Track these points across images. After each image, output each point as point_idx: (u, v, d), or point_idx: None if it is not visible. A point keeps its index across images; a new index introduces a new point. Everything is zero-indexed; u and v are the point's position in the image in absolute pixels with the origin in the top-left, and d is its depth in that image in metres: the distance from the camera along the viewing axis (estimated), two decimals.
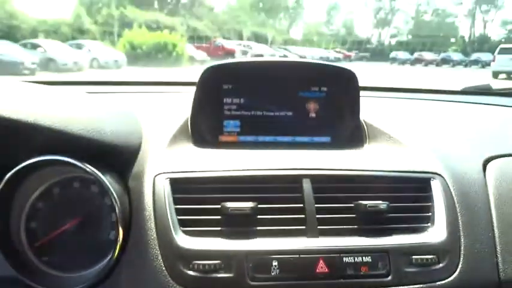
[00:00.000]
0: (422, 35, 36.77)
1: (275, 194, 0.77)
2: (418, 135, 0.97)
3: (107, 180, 0.69)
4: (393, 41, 40.61)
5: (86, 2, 30.21)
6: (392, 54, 28.44)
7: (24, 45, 13.64)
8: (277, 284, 0.70)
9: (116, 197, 0.69)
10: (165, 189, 0.74)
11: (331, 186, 0.79)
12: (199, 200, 0.75)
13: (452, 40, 39.65)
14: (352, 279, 0.72)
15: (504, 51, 14.52)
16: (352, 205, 0.77)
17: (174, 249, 0.69)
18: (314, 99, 1.02)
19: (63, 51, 13.90)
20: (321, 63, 1.03)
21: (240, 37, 26.96)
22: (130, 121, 0.86)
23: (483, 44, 34.02)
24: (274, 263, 0.70)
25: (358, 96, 0.99)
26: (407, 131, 0.99)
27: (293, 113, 1.01)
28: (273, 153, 0.88)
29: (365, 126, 1.03)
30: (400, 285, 0.72)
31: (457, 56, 26.92)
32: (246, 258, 0.70)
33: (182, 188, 0.76)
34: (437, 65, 25.25)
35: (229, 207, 0.72)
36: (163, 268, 0.69)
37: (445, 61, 25.63)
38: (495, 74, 13.61)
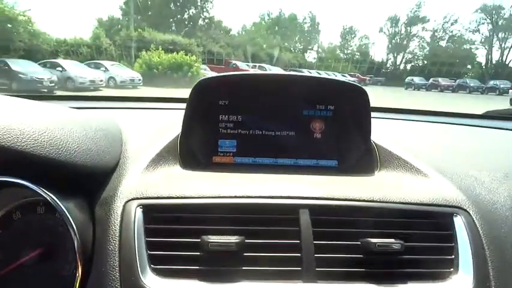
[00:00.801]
0: (438, 60, 36.69)
1: (266, 227, 0.65)
2: (437, 162, 0.85)
3: (64, 206, 0.59)
4: (408, 66, 40.65)
5: (105, 23, 31.11)
6: (408, 79, 28.38)
7: (44, 65, 14.05)
8: None
9: (75, 227, 0.58)
10: (135, 218, 0.63)
11: (334, 220, 0.66)
12: (175, 232, 0.63)
13: (469, 66, 39.55)
14: None
15: None
16: (359, 243, 0.64)
17: None
18: (320, 118, 0.91)
19: (81, 71, 14.23)
20: (328, 79, 0.92)
21: (255, 59, 27.24)
22: (108, 138, 0.76)
23: (500, 71, 33.74)
24: None
25: (369, 116, 0.88)
26: (425, 157, 0.86)
27: (296, 133, 0.91)
28: (270, 178, 0.77)
29: (376, 150, 0.91)
30: None
31: (473, 83, 26.74)
32: None
33: (156, 217, 0.64)
34: (453, 91, 25.08)
35: (209, 242, 0.60)
36: None
37: (461, 87, 25.50)
38: None
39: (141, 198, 0.66)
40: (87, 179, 0.68)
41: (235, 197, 0.67)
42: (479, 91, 24.95)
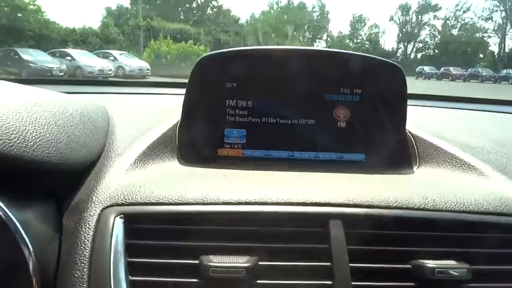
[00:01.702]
0: (449, 49, 36.05)
1: (286, 244, 0.49)
2: (492, 157, 0.69)
3: (18, 217, 0.44)
4: (419, 55, 40.03)
5: (113, 12, 31.00)
6: (419, 69, 27.91)
7: (53, 54, 14.31)
8: None
9: (31, 246, 0.44)
10: (113, 231, 0.48)
11: (375, 234, 0.51)
12: (167, 250, 0.48)
13: (481, 55, 38.85)
14: None
15: None
16: (409, 266, 0.49)
17: None
18: (345, 103, 0.76)
19: (90, 60, 14.38)
20: (354, 54, 0.75)
21: None
22: (87, 127, 0.61)
23: None
24: None
25: (405, 99, 0.72)
26: (474, 150, 0.71)
27: (316, 121, 0.76)
28: (289, 176, 0.62)
29: (413, 141, 0.75)
30: None
31: (486, 72, 26.29)
32: None
33: (142, 230, 0.49)
34: (464, 80, 24.70)
35: (211, 266, 0.45)
36: None
37: (473, 76, 25.14)
38: None
39: (122, 205, 0.50)
40: (54, 179, 0.53)
41: (246, 203, 0.51)
42: (492, 80, 24.59)
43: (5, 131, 0.45)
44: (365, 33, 44.94)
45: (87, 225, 0.49)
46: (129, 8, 32.70)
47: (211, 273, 0.45)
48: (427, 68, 27.62)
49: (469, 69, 26.90)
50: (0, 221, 0.43)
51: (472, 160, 0.66)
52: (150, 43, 18.62)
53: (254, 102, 0.75)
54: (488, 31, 38.56)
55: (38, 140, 0.48)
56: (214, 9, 37.86)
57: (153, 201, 0.50)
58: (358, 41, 44.31)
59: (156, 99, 1.06)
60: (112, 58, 15.86)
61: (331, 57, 0.76)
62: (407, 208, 0.52)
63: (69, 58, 14.02)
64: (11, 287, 0.48)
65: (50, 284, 0.46)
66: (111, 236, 0.47)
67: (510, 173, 0.63)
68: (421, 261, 0.48)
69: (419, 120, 0.82)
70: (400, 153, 0.74)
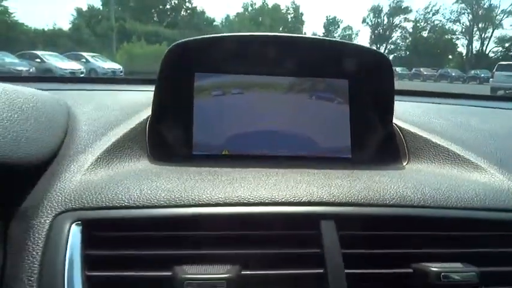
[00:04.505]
0: (420, 51, 37.06)
1: (272, 250, 0.43)
2: (490, 149, 0.65)
3: None
4: (391, 57, 40.96)
5: (85, 13, 30.36)
6: None
7: (22, 56, 13.90)
8: None
9: None
10: (68, 241, 0.40)
11: (372, 236, 0.45)
12: (133, 261, 0.41)
13: (450, 57, 40.12)
14: None
15: (502, 68, 14.56)
16: (411, 271, 0.43)
17: None
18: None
19: (60, 62, 14.06)
20: (337, 42, 0.70)
21: None
22: (40, 122, 0.53)
23: (480, 60, 34.30)
24: None
25: (393, 90, 0.68)
26: (470, 143, 0.67)
27: (296, 114, 0.72)
28: (271, 174, 0.55)
29: (401, 135, 0.70)
30: None
31: (455, 72, 27.21)
32: None
33: (103, 238, 0.42)
34: (435, 80, 25.45)
35: (186, 279, 0.39)
36: None
37: (443, 77, 25.95)
38: (493, 90, 13.55)
39: (80, 209, 0.43)
40: None
41: (225, 204, 0.45)
42: (461, 80, 25.46)
43: None
44: (339, 35, 45.64)
45: (36, 235, 0.41)
46: (101, 9, 32.14)
47: (187, 287, 0.39)
48: (399, 69, 28.29)
49: (439, 70, 27.85)
50: None
51: (466, 153, 0.62)
52: (123, 45, 18.32)
53: (230, 94, 0.71)
54: (457, 33, 39.96)
55: None
56: (188, 11, 37.64)
57: (116, 204, 0.44)
58: None
59: (125, 95, 0.95)
60: (84, 60, 15.60)
61: (314, 44, 0.71)
62: (405, 206, 0.47)
63: (39, 60, 13.75)
64: None
65: None
66: (66, 246, 0.40)
67: (507, 166, 0.60)
68: (423, 264, 0.43)
69: (405, 115, 0.78)
70: (388, 148, 0.69)
